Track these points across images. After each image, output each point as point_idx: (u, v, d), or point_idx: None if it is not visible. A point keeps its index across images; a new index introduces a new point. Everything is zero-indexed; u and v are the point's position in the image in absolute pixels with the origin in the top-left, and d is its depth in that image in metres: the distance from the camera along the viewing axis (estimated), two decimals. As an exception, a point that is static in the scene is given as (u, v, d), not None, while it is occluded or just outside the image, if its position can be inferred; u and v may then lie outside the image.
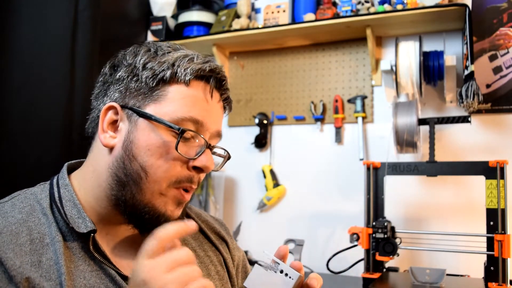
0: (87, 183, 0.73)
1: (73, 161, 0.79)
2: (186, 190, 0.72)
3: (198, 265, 0.82)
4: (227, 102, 0.79)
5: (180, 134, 0.68)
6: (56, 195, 0.71)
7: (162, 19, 2.21)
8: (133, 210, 0.69)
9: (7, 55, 1.75)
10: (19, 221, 0.67)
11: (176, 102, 0.70)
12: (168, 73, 0.70)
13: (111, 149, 0.71)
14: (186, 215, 0.87)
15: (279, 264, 0.65)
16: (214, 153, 0.77)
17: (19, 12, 1.77)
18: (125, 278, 0.69)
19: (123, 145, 0.70)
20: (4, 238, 0.64)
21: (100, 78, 0.76)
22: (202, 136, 0.71)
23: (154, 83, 0.70)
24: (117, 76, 0.73)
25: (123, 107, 0.71)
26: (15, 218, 0.67)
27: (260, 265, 0.65)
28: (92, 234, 0.68)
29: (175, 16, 2.25)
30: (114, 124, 0.72)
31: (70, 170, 0.77)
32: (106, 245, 0.71)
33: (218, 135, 0.76)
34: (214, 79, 0.73)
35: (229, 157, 0.81)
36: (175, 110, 0.69)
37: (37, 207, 0.70)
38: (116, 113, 0.71)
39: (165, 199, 0.70)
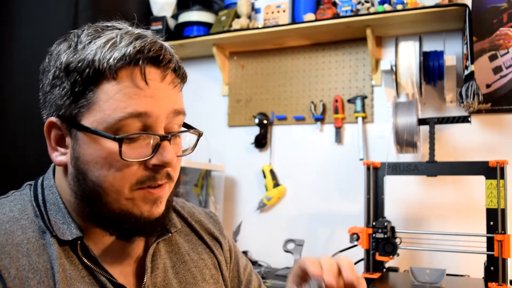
0: (63, 190, 0.67)
1: None
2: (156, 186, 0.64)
3: (192, 269, 0.75)
4: (177, 74, 0.67)
5: (118, 142, 0.60)
6: (40, 197, 0.66)
7: (162, 19, 2.21)
8: (109, 222, 0.64)
9: (7, 55, 1.75)
10: (11, 219, 0.62)
11: (109, 103, 0.60)
12: (91, 72, 0.60)
13: (65, 167, 0.65)
14: (179, 214, 0.81)
15: None
16: (176, 136, 0.67)
17: (19, 12, 1.77)
18: (117, 285, 0.64)
19: (72, 162, 0.64)
20: None
21: (39, 85, 0.68)
22: (151, 133, 0.62)
23: (81, 88, 0.61)
24: (48, 84, 0.65)
25: (62, 120, 0.64)
26: (6, 216, 0.63)
27: None
28: (79, 242, 0.63)
29: (175, 16, 2.25)
30: (62, 139, 0.65)
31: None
32: (97, 250, 0.66)
33: (178, 113, 0.66)
34: (144, 60, 0.61)
35: (200, 134, 0.70)
36: (110, 113, 0.60)
37: (28, 207, 0.65)
38: (59, 128, 0.64)
39: (135, 202, 0.63)
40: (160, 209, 0.66)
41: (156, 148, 0.62)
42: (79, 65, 0.61)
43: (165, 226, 0.74)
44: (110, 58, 0.60)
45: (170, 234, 0.75)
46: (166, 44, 0.67)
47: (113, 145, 0.60)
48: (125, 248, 0.69)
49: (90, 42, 0.62)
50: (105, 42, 0.61)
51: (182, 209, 0.83)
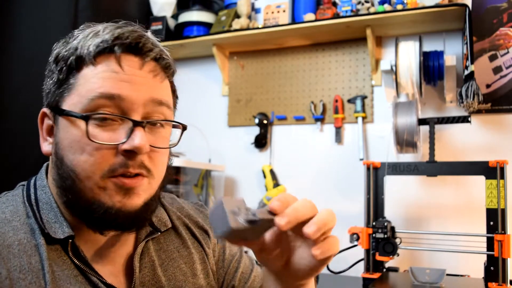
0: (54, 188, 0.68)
1: None
2: (130, 176, 0.63)
3: (182, 266, 0.75)
4: (159, 64, 0.67)
5: (85, 120, 0.61)
6: (33, 197, 0.67)
7: (162, 19, 2.21)
8: (84, 211, 0.63)
9: (7, 55, 1.75)
10: (3, 221, 0.63)
11: (85, 86, 0.62)
12: (73, 58, 0.63)
13: (51, 156, 0.67)
14: (168, 210, 0.80)
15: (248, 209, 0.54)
16: (157, 125, 0.66)
17: (19, 12, 1.77)
18: (108, 286, 0.64)
19: (53, 149, 0.66)
20: None
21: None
22: (121, 116, 0.62)
23: (65, 74, 0.64)
24: (46, 79, 0.68)
25: (50, 109, 0.66)
26: None
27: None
28: (70, 240, 0.63)
29: (175, 16, 2.25)
30: (52, 129, 0.67)
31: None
32: (86, 251, 0.66)
33: (160, 103, 0.66)
34: (120, 46, 0.63)
35: (184, 128, 0.70)
36: (84, 95, 0.62)
37: (20, 208, 0.66)
38: (49, 117, 0.67)
39: (107, 191, 0.62)
40: (134, 201, 0.63)
41: (129, 133, 0.62)
42: (65, 53, 0.64)
43: (154, 225, 0.74)
44: (90, 45, 0.63)
45: (159, 233, 0.74)
46: (151, 35, 0.68)
47: (85, 127, 0.61)
48: (115, 247, 0.69)
49: (79, 35, 0.66)
50: (90, 32, 0.65)
51: (171, 205, 0.83)
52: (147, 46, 0.65)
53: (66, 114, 0.62)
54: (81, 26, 0.68)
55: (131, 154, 0.62)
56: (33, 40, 1.74)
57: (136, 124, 0.62)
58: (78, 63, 0.63)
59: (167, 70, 0.69)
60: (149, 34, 0.68)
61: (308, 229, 0.52)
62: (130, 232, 0.69)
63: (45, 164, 0.72)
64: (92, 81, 0.62)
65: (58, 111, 0.64)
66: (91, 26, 0.67)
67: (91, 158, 0.61)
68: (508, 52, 1.73)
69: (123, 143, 0.61)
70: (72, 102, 0.63)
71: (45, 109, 0.67)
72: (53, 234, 0.62)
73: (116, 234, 0.67)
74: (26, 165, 1.61)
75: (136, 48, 0.64)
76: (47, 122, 0.67)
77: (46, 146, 0.67)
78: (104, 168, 0.61)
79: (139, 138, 0.61)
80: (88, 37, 0.64)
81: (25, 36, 1.75)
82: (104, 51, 0.63)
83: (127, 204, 0.63)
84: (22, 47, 1.74)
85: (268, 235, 0.58)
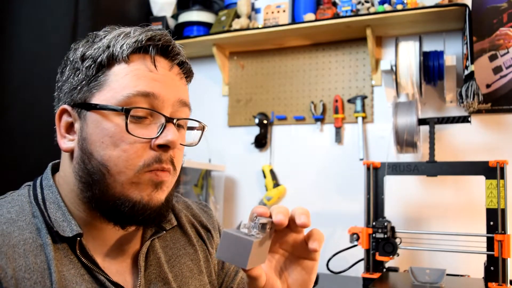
0: (63, 187, 0.69)
1: (57, 161, 0.73)
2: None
3: (188, 263, 0.76)
4: (183, 68, 0.72)
5: (125, 113, 0.62)
6: (40, 196, 0.67)
7: (162, 19, 2.21)
8: (108, 206, 0.64)
9: (7, 55, 1.75)
10: (9, 221, 0.63)
11: (119, 82, 0.64)
12: (105, 56, 0.65)
13: (72, 153, 0.67)
14: (174, 208, 0.81)
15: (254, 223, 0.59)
16: (180, 126, 0.70)
17: (19, 12, 1.77)
18: (115, 284, 0.65)
19: (78, 144, 0.65)
20: None
21: (56, 84, 0.72)
22: (157, 111, 0.65)
23: (94, 71, 0.65)
24: (64, 77, 0.69)
25: (73, 106, 0.66)
26: (4, 217, 0.63)
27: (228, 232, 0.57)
28: (78, 238, 0.64)
29: (175, 16, 2.25)
30: (71, 127, 0.68)
31: (55, 170, 0.72)
32: (94, 249, 0.66)
33: (184, 104, 0.70)
34: (154, 47, 0.66)
35: (204, 128, 0.75)
36: (119, 91, 0.63)
37: (26, 208, 0.66)
38: (70, 115, 0.67)
39: (140, 186, 0.64)
40: (160, 196, 0.66)
41: (161, 129, 0.64)
42: (94, 52, 0.66)
43: (160, 224, 0.75)
44: (123, 44, 0.65)
45: (164, 232, 0.76)
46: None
47: (120, 122, 0.63)
48: (123, 245, 0.70)
49: (106, 36, 0.68)
50: (120, 33, 0.67)
51: (177, 203, 0.84)
52: (175, 50, 0.69)
53: (100, 108, 0.63)
54: (104, 28, 0.71)
55: (164, 148, 0.64)
56: (33, 40, 1.73)
57: (168, 120, 0.65)
58: (109, 60, 0.65)
59: (190, 75, 0.74)
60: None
61: (313, 245, 0.59)
62: (151, 227, 0.73)
63: (50, 164, 0.72)
64: (127, 78, 0.64)
65: (87, 107, 0.65)
66: (116, 28, 0.70)
67: (124, 154, 0.62)
68: (508, 52, 1.73)
69: (156, 138, 0.64)
70: (104, 97, 0.64)
71: (65, 106, 0.67)
72: (61, 232, 0.63)
73: (135, 228, 0.71)
74: (26, 164, 1.61)
75: (166, 51, 0.68)
76: (66, 119, 0.68)
77: (65, 143, 0.67)
78: (138, 164, 0.63)
79: (172, 133, 0.64)
80: (120, 37, 0.66)
81: (25, 36, 1.75)
82: (138, 51, 0.66)
83: (154, 198, 0.65)
84: (22, 47, 1.74)
85: (268, 268, 0.62)
